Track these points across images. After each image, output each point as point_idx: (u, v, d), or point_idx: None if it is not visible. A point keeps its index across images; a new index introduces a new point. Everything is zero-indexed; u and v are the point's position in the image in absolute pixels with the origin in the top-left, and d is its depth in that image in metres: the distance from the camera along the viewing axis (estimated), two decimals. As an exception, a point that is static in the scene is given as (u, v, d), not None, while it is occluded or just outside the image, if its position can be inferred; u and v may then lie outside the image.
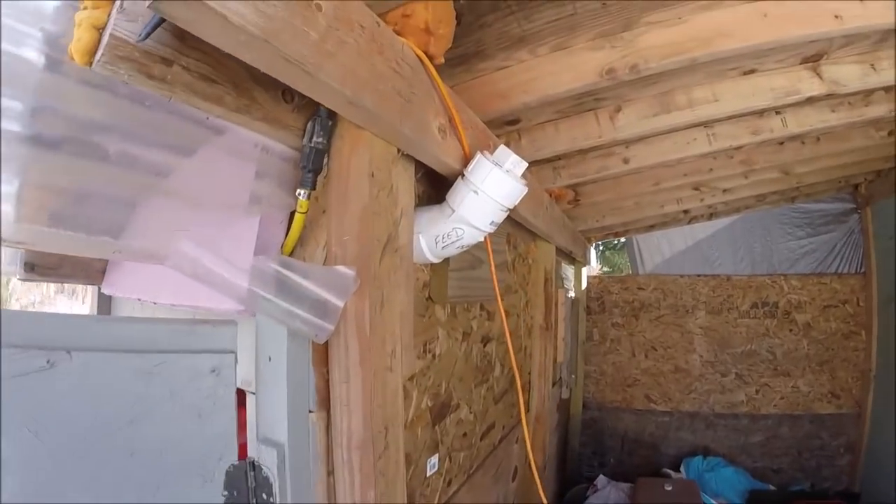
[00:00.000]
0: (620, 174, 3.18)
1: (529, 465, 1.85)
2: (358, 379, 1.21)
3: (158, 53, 0.84)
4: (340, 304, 1.16)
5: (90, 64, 0.81)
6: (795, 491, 5.00)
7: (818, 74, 2.34)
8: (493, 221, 1.48)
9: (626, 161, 2.96)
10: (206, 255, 1.13)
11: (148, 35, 0.79)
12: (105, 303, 1.98)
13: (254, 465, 1.25)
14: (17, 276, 1.78)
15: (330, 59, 0.93)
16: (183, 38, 0.85)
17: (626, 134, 2.45)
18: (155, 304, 1.53)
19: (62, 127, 0.93)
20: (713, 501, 4.27)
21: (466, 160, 1.52)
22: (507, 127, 2.37)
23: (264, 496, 1.23)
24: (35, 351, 1.25)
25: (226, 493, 1.24)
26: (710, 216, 5.16)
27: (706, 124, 2.82)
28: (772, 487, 5.05)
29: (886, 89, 2.63)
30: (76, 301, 3.07)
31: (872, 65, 2.31)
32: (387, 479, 1.29)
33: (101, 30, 0.81)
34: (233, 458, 1.25)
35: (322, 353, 1.26)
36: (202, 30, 0.75)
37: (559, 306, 3.93)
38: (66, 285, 3.01)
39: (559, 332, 3.98)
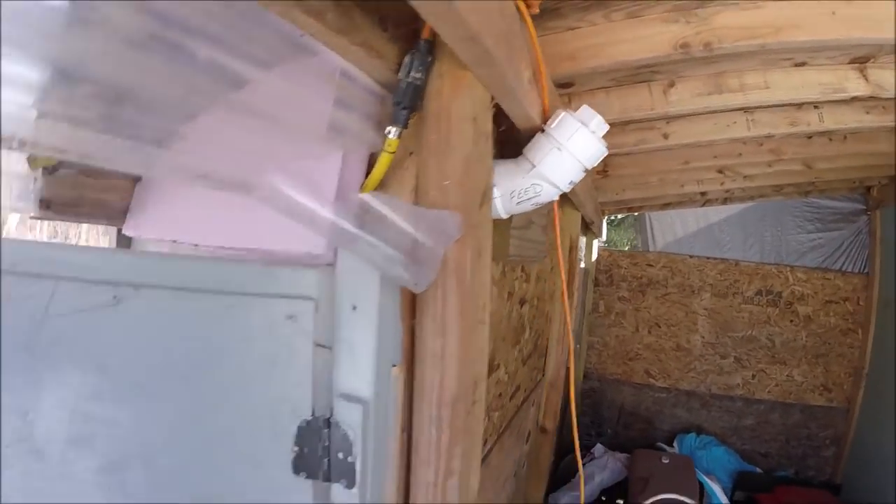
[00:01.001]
0: (655, 149, 3.19)
1: (571, 422, 1.88)
2: (455, 332, 1.17)
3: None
4: (442, 250, 1.12)
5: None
6: (780, 476, 5.14)
7: (864, 76, 2.37)
8: (571, 181, 1.49)
9: (665, 136, 2.96)
10: (296, 189, 1.00)
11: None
12: (124, 246, 1.87)
13: (329, 423, 1.15)
14: (31, 214, 1.55)
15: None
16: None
17: (678, 109, 2.45)
18: (196, 246, 1.45)
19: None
20: (706, 478, 4.37)
21: (545, 116, 1.53)
22: (559, 90, 2.37)
23: (340, 455, 1.15)
24: (102, 286, 1.25)
25: (296, 448, 1.17)
26: (725, 201, 5.17)
27: (747, 109, 2.83)
28: (759, 470, 5.18)
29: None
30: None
31: (915, 74, 2.34)
32: (472, 435, 1.27)
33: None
34: (306, 413, 1.16)
35: (407, 304, 1.22)
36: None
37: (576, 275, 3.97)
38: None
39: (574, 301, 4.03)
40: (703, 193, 4.78)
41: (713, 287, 5.55)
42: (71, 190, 1.58)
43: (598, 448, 5.11)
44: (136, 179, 1.74)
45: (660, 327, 5.70)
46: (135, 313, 1.24)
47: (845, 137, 3.44)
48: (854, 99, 2.48)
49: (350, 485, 1.15)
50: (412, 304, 1.22)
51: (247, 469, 1.22)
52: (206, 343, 1.21)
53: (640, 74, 2.34)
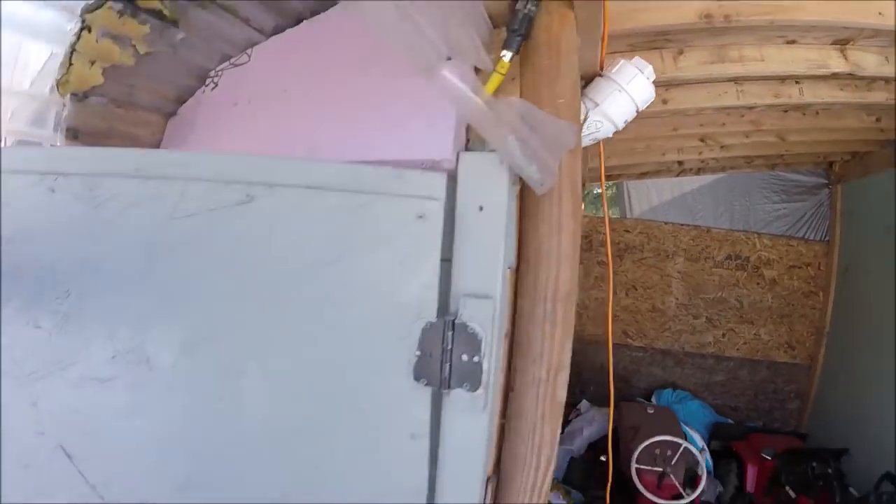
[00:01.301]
0: (652, 114, 3.42)
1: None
2: (569, 232, 1.30)
3: None
4: (561, 156, 1.20)
5: None
6: (750, 427, 5.46)
7: (844, 56, 2.69)
8: (626, 120, 1.72)
9: (664, 102, 3.21)
10: (463, 82, 1.03)
11: None
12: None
13: (453, 325, 1.14)
14: (52, 143, 1.48)
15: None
16: None
17: (685, 75, 2.70)
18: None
19: None
20: (687, 428, 4.62)
21: (602, 64, 1.76)
22: (581, 50, 2.60)
23: (464, 357, 1.13)
24: (236, 185, 1.26)
25: (418, 352, 1.15)
26: (699, 171, 5.45)
27: (738, 80, 3.12)
28: (731, 422, 5.53)
29: (886, 80, 2.98)
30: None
31: (887, 57, 2.69)
32: (572, 330, 1.34)
33: None
34: (431, 315, 1.14)
35: (518, 208, 1.31)
36: None
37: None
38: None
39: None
40: (679, 163, 5.04)
41: (686, 252, 5.87)
42: (101, 120, 1.54)
43: (584, 404, 5.37)
44: (170, 115, 1.73)
45: (636, 290, 5.97)
46: (268, 211, 1.24)
47: (817, 112, 3.76)
48: (833, 75, 2.77)
49: (474, 387, 1.14)
50: (519, 209, 1.35)
51: (365, 376, 1.21)
52: (338, 241, 1.21)
53: (655, 41, 2.58)
